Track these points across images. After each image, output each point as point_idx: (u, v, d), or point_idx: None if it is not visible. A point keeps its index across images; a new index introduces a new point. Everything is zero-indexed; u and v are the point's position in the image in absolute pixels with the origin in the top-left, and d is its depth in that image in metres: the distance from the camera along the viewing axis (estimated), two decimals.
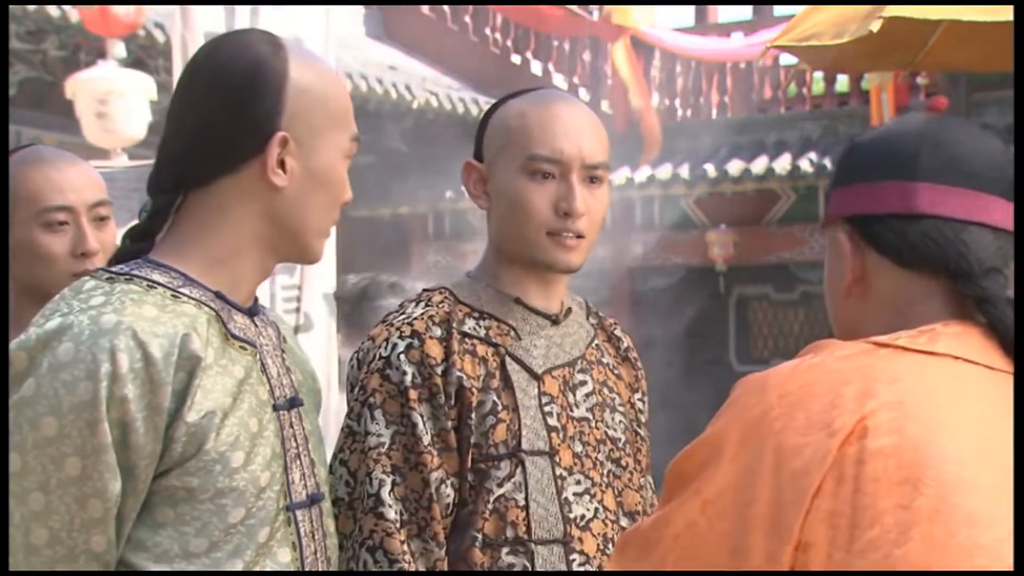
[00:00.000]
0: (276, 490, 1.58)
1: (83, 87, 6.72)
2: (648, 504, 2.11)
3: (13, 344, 1.49)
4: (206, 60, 1.63)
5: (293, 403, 1.65)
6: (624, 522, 2.00)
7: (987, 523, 1.21)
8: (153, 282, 1.54)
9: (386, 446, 1.88)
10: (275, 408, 1.61)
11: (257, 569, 1.55)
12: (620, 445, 2.04)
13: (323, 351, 5.16)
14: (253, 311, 1.67)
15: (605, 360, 2.10)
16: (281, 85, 1.59)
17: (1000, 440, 1.28)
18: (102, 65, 6.92)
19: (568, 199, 1.94)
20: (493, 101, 2.13)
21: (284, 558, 1.58)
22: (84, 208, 2.21)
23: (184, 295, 1.55)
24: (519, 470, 1.91)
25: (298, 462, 1.63)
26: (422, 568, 1.89)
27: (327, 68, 1.68)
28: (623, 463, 2.03)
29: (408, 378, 1.90)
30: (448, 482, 1.90)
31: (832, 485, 1.21)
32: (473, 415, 1.91)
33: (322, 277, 5.23)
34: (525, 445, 1.92)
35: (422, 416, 1.89)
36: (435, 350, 1.92)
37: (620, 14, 12.36)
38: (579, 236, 1.96)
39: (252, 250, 1.62)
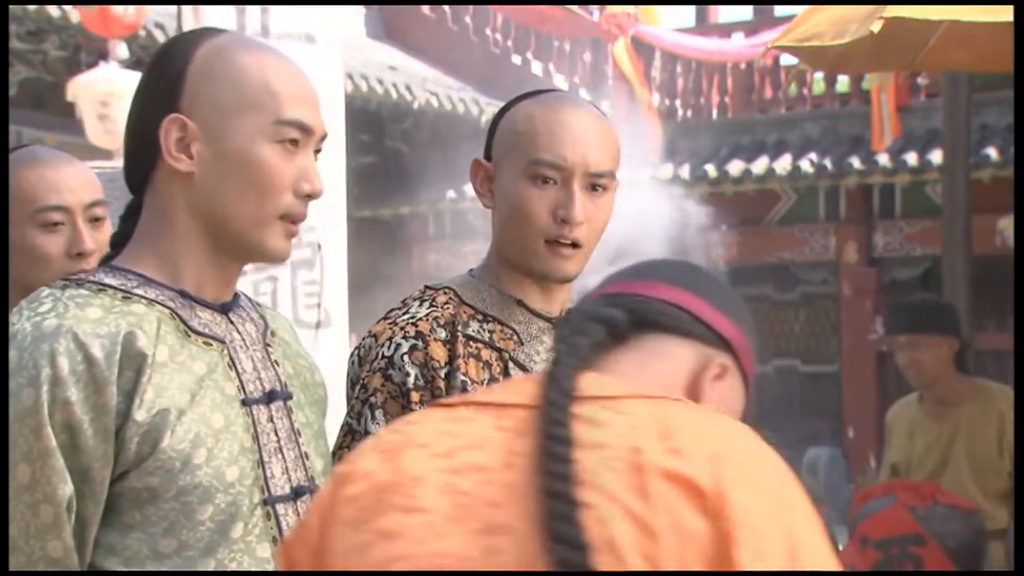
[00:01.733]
0: (247, 484, 1.55)
1: (84, 89, 6.74)
2: None
3: None
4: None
5: (272, 396, 1.62)
6: None
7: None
8: (104, 285, 1.53)
9: None
10: (244, 403, 1.58)
11: (233, 568, 1.52)
12: None
13: (340, 346, 5.20)
14: (228, 307, 1.63)
15: None
16: (181, 68, 1.56)
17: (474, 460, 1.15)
18: (103, 67, 6.93)
19: (567, 206, 1.91)
20: (493, 101, 2.13)
21: (263, 553, 1.55)
22: (80, 208, 2.20)
23: (137, 295, 1.54)
24: None
25: (279, 456, 1.60)
26: None
27: (262, 54, 1.62)
28: None
29: (411, 380, 1.89)
30: None
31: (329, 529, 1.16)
32: None
33: (339, 272, 5.26)
34: None
35: None
36: (439, 353, 1.91)
37: (646, 14, 12.36)
38: (576, 245, 1.93)
39: (199, 248, 1.59)
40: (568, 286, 2.03)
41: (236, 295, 1.67)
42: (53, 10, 8.69)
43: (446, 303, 1.97)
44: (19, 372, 1.44)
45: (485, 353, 1.94)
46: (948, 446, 4.27)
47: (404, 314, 1.96)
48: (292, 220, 1.61)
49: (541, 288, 2.00)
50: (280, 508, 1.58)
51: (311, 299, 5.13)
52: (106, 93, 6.62)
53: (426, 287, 2.02)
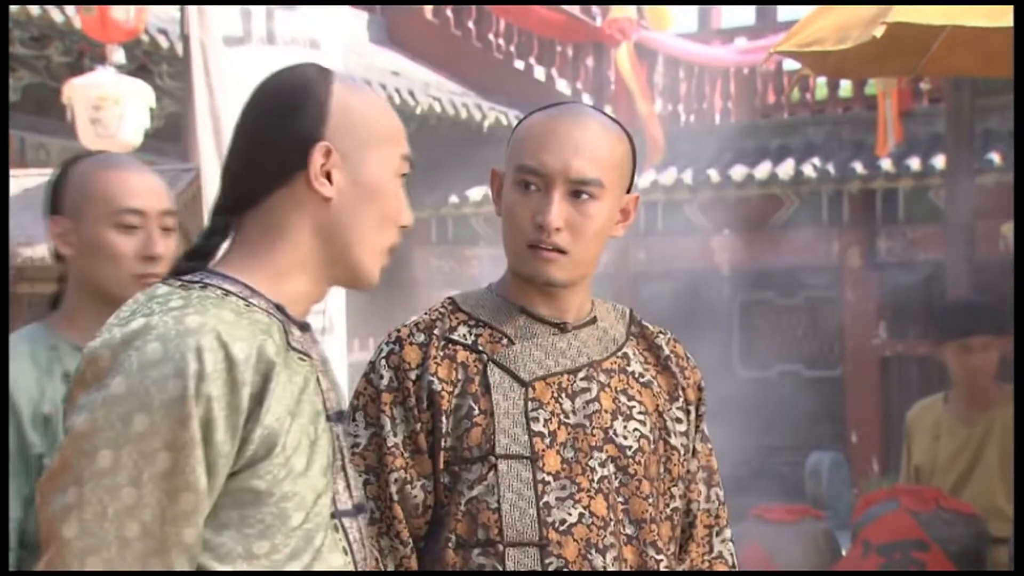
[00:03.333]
0: (329, 497, 1.63)
1: (78, 92, 6.75)
2: (712, 515, 2.15)
3: (97, 343, 1.54)
4: (261, 87, 1.71)
5: (341, 416, 1.71)
6: (629, 530, 2.01)
7: None
8: (226, 291, 1.60)
9: (361, 446, 1.96)
10: (328, 418, 1.66)
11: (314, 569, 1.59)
12: (630, 453, 2.03)
13: (340, 351, 5.21)
14: (305, 327, 1.72)
15: (631, 368, 2.09)
16: (325, 99, 1.66)
17: None
18: (100, 71, 6.94)
19: (543, 212, 1.95)
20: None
21: (336, 561, 1.63)
22: (155, 214, 2.33)
23: (254, 304, 1.61)
24: (491, 473, 1.94)
25: (342, 473, 1.69)
26: (390, 566, 1.95)
27: (374, 93, 1.74)
28: (631, 471, 2.03)
29: (384, 381, 1.98)
30: (418, 484, 1.96)
31: None
32: (446, 419, 1.96)
33: None
34: (499, 449, 1.95)
35: (392, 419, 1.96)
36: (412, 355, 1.98)
37: (655, 16, 12.34)
38: (558, 250, 1.97)
39: (309, 268, 1.68)
40: (578, 291, 2.06)
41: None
42: (57, 16, 8.70)
43: (436, 310, 2.05)
44: (164, 363, 1.49)
45: (462, 355, 2.00)
46: (979, 450, 4.20)
47: (400, 323, 2.05)
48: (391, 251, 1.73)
49: (544, 294, 2.03)
50: (346, 522, 1.66)
51: (317, 305, 5.14)
52: (99, 97, 6.64)
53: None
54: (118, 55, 6.97)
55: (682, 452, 2.11)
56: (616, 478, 2.01)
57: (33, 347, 2.28)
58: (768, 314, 12.91)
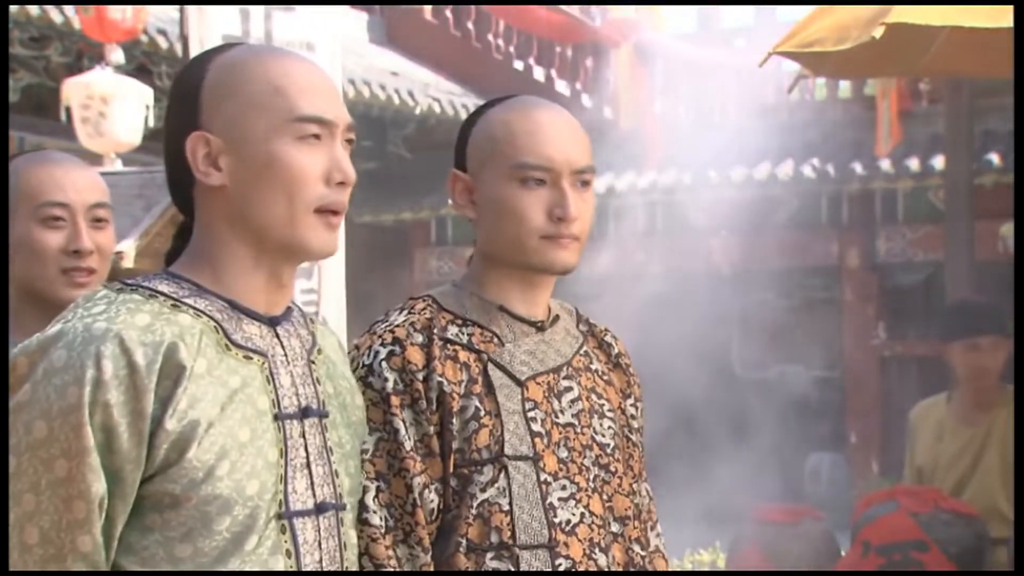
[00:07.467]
0: (267, 499, 1.59)
1: (74, 92, 6.76)
2: (644, 510, 2.13)
3: (16, 350, 1.54)
4: None
5: (307, 412, 1.67)
6: (615, 527, 2.02)
7: None
8: (156, 292, 1.59)
9: (370, 452, 1.91)
10: (277, 417, 1.62)
11: None
12: (609, 451, 2.04)
13: None
14: (276, 320, 1.68)
15: (594, 366, 2.11)
16: (196, 87, 1.63)
17: None
18: (97, 71, 6.95)
19: (563, 205, 1.97)
20: None
21: (275, 566, 1.59)
22: (82, 207, 2.25)
23: (187, 305, 1.59)
24: (502, 475, 1.93)
25: (305, 471, 1.65)
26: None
27: (269, 58, 1.66)
28: (612, 468, 2.04)
29: (390, 384, 1.92)
30: (432, 487, 1.92)
31: None
32: (455, 420, 1.93)
33: (336, 281, 5.24)
34: (508, 450, 1.93)
35: (404, 422, 1.91)
36: (416, 356, 1.94)
37: (650, 16, 12.34)
38: (573, 237, 1.99)
39: (243, 257, 1.65)
40: (550, 291, 2.07)
41: (290, 309, 1.72)
42: (56, 16, 8.69)
43: (423, 309, 2.01)
44: (66, 371, 1.50)
45: (463, 355, 1.97)
46: (980, 451, 4.19)
47: (383, 323, 2.00)
48: (331, 211, 1.64)
49: (525, 292, 2.04)
50: (298, 522, 1.62)
51: (309, 308, 5.11)
52: (87, 97, 6.65)
53: (409, 298, 2.07)
54: (116, 55, 6.97)
55: (640, 448, 2.14)
56: (600, 477, 2.02)
57: None
58: (767, 314, 12.90)
